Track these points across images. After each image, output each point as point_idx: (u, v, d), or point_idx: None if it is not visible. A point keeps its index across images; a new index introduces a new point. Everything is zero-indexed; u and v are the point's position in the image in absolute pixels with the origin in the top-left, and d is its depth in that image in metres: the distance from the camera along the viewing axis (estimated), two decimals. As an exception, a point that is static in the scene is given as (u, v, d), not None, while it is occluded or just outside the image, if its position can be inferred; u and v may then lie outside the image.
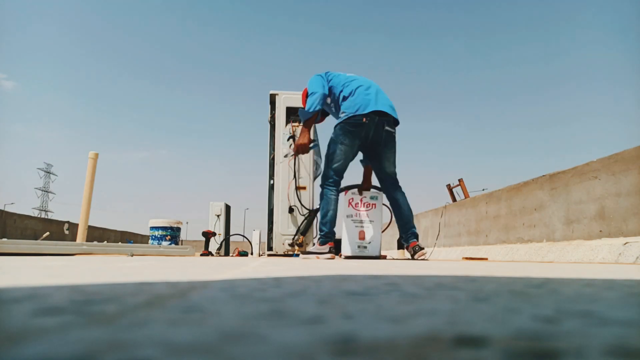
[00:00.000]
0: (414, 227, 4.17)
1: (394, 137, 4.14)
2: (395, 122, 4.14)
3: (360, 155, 4.30)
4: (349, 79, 4.20)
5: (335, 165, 4.06)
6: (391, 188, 4.19)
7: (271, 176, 5.58)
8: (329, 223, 4.06)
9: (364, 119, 3.95)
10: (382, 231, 4.38)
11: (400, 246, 5.13)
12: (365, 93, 4.06)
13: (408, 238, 4.14)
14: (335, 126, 4.11)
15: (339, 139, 4.03)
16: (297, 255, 4.83)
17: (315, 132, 5.47)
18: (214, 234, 5.35)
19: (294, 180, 5.23)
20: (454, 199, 9.57)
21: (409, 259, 4.17)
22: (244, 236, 6.48)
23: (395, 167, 4.18)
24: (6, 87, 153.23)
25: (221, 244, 6.17)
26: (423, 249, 4.06)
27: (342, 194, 4.24)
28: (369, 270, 1.62)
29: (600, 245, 3.94)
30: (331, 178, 4.08)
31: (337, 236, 4.20)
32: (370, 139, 4.03)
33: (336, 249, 4.30)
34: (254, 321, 0.49)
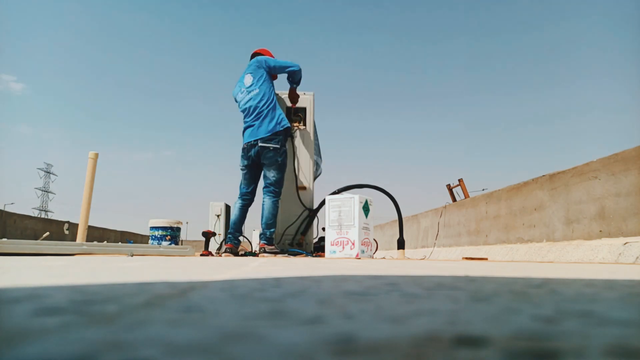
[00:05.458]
0: (267, 230, 4.59)
1: (270, 149, 4.58)
2: (268, 139, 4.56)
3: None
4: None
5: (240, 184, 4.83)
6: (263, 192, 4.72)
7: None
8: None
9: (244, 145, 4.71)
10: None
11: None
12: (244, 121, 4.77)
13: (260, 238, 4.70)
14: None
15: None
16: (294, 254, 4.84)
17: (315, 131, 5.47)
18: (214, 234, 5.33)
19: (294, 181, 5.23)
20: (454, 199, 9.55)
21: (409, 259, 4.18)
22: (243, 236, 6.47)
23: (268, 178, 4.66)
24: (15, 89, 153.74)
25: (221, 244, 6.16)
26: (268, 252, 4.48)
27: None
28: (369, 270, 1.62)
29: (600, 245, 3.94)
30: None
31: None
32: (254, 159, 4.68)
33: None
34: (254, 321, 0.49)
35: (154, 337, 0.40)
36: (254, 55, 5.09)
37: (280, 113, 4.67)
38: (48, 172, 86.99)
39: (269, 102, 4.64)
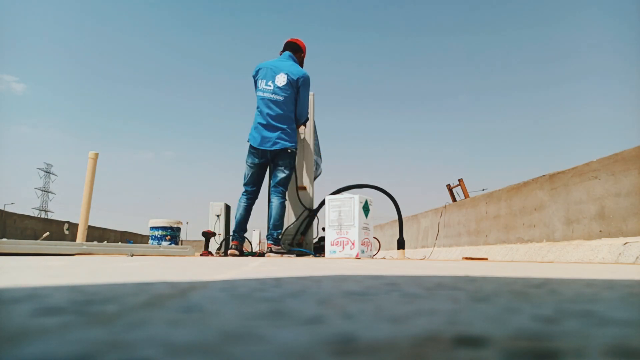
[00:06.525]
0: (274, 231, 4.58)
1: (280, 153, 4.57)
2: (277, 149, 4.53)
3: None
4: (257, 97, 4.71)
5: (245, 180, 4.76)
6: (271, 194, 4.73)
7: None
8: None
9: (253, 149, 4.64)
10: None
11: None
12: (255, 126, 4.64)
13: (267, 238, 4.70)
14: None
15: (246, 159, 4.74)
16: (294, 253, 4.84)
17: (315, 131, 5.47)
18: (214, 234, 5.33)
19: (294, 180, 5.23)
20: (454, 199, 9.56)
21: (409, 259, 4.19)
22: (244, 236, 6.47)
23: (278, 178, 4.63)
24: (17, 90, 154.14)
25: (221, 244, 6.15)
26: (275, 253, 4.50)
27: None
28: (368, 270, 1.62)
29: (600, 245, 3.94)
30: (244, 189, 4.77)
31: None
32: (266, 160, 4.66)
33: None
34: (254, 321, 0.49)
35: (154, 337, 0.40)
36: (288, 45, 4.81)
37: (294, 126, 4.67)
38: (48, 172, 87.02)
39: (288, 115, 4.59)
